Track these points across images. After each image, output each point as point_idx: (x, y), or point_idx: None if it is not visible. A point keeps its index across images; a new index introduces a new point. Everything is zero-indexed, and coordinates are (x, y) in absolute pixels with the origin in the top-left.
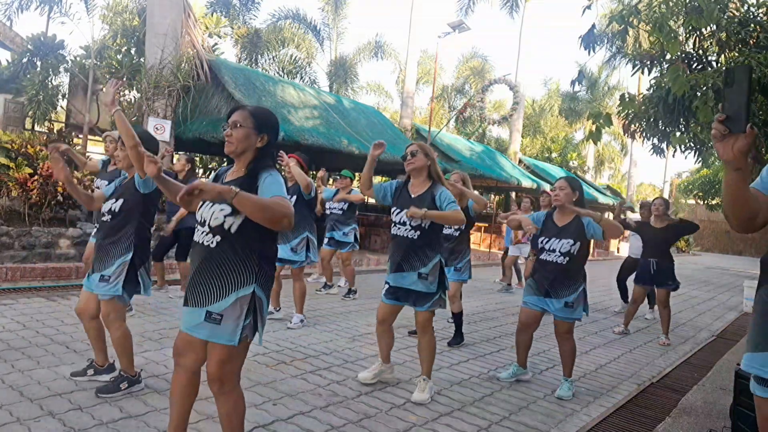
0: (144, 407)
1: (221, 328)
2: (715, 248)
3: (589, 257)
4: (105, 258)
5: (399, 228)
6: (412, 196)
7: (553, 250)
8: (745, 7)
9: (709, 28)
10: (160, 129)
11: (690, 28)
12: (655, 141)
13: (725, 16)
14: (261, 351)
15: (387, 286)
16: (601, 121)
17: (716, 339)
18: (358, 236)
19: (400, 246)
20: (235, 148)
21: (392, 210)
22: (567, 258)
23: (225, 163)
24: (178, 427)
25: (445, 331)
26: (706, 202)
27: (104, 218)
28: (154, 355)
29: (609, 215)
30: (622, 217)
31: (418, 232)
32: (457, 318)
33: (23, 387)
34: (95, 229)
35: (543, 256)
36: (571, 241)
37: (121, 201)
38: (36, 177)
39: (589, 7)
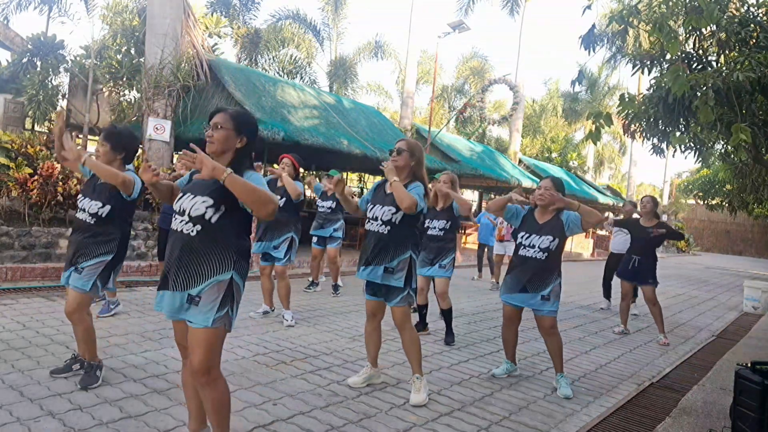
0: (144, 407)
1: (198, 309)
2: (715, 248)
3: (589, 257)
4: (84, 252)
5: (371, 223)
6: (387, 192)
7: (533, 246)
8: (745, 7)
9: (709, 28)
10: (160, 129)
11: (690, 28)
12: (655, 141)
13: (725, 16)
14: (261, 351)
15: (365, 282)
16: (601, 121)
17: (716, 339)
18: (344, 233)
19: (371, 241)
20: (216, 148)
21: (368, 207)
22: (546, 254)
23: None
24: (197, 417)
25: (443, 332)
26: (706, 202)
27: (85, 217)
28: (154, 355)
29: (609, 215)
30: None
31: (389, 227)
32: (447, 314)
33: (23, 387)
34: None
35: (522, 252)
36: (551, 238)
37: (108, 208)
38: (36, 177)
39: (589, 7)
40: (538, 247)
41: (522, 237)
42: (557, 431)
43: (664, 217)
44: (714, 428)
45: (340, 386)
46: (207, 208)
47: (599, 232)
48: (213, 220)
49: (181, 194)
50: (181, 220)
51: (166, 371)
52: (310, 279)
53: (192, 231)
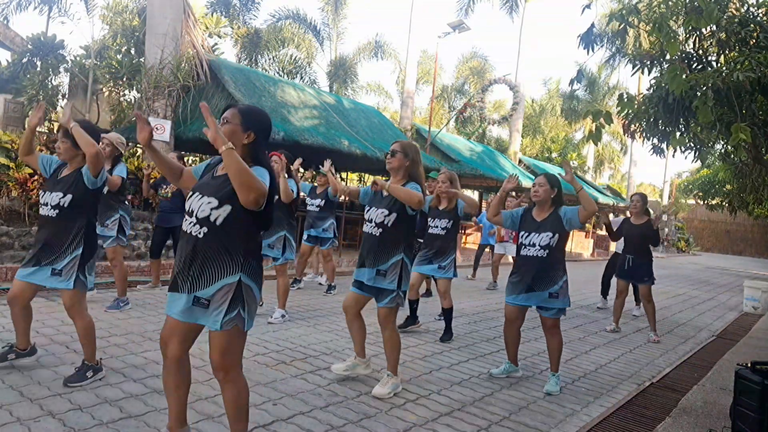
0: (144, 407)
1: (208, 312)
2: (715, 248)
3: (589, 257)
4: (54, 251)
5: (366, 225)
6: (384, 194)
7: (533, 245)
8: (745, 7)
9: (709, 28)
10: (160, 129)
11: (690, 28)
12: (655, 141)
13: (725, 16)
14: (261, 351)
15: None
16: (601, 120)
17: (716, 339)
18: (336, 231)
19: (366, 243)
20: None
21: (366, 209)
22: (546, 251)
23: None
24: (178, 416)
25: (440, 328)
26: (706, 202)
27: (48, 213)
28: (154, 355)
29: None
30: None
31: (381, 230)
32: (447, 314)
33: (23, 387)
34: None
35: (523, 252)
36: (550, 234)
37: (69, 197)
38: (36, 177)
39: (588, 6)
40: (539, 245)
41: (522, 237)
42: (557, 431)
43: (664, 217)
44: (714, 428)
45: (340, 386)
46: (212, 209)
47: (599, 232)
48: (218, 222)
49: (191, 192)
50: (190, 222)
51: None
52: (317, 279)
53: (199, 233)
